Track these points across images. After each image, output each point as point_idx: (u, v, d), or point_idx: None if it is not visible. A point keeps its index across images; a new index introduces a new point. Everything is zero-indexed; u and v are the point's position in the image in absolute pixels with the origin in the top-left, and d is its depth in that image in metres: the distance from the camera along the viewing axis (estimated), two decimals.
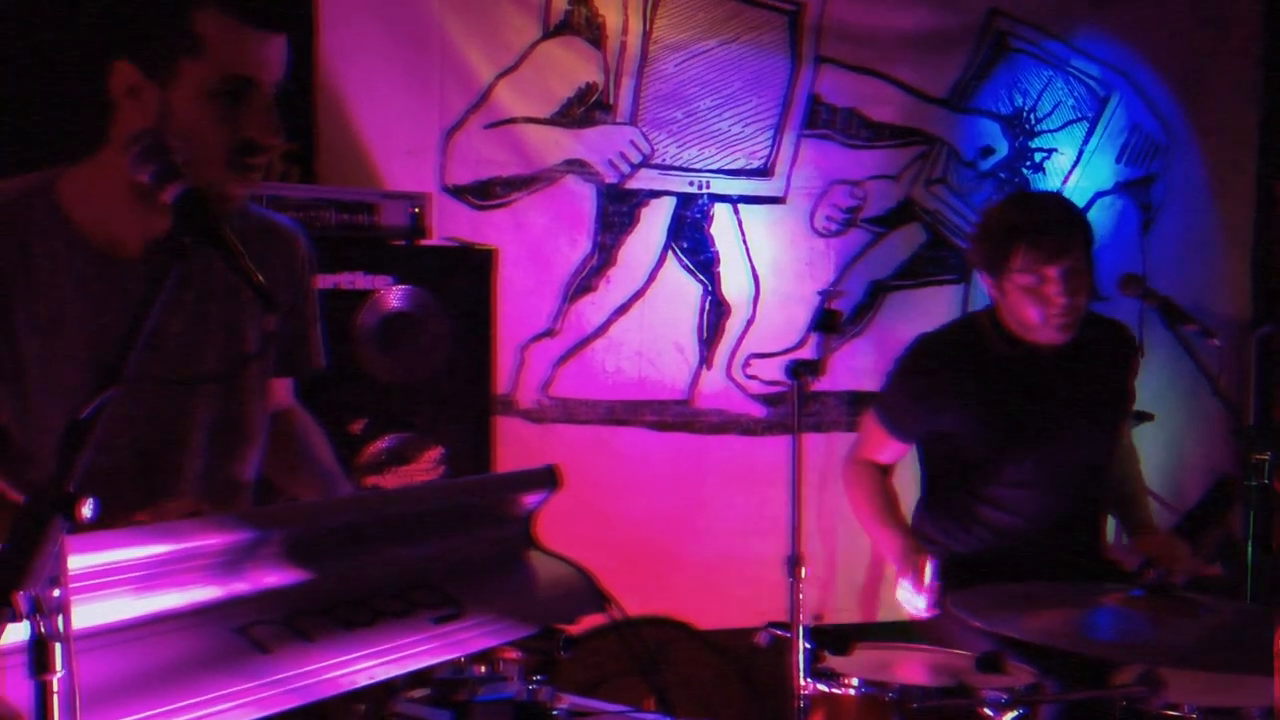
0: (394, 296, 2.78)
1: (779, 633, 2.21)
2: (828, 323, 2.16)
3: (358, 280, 2.72)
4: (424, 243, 2.83)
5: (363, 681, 1.31)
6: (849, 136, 3.53)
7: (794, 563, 2.06)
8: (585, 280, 3.38)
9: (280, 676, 1.25)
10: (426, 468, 2.82)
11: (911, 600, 2.55)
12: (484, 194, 3.28)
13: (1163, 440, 3.70)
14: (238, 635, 1.29)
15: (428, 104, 3.21)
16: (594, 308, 3.39)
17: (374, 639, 1.37)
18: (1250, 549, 2.72)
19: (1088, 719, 2.32)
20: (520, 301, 3.24)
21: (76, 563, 1.12)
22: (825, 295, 3.44)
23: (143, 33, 1.52)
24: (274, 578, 1.36)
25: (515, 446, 3.11)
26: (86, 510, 1.04)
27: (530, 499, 1.66)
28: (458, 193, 3.25)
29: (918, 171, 3.60)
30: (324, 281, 2.69)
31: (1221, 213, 3.82)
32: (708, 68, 3.42)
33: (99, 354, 1.48)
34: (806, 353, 3.54)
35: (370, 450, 2.77)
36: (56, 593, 1.03)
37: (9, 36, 2.69)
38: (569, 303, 3.38)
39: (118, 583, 1.22)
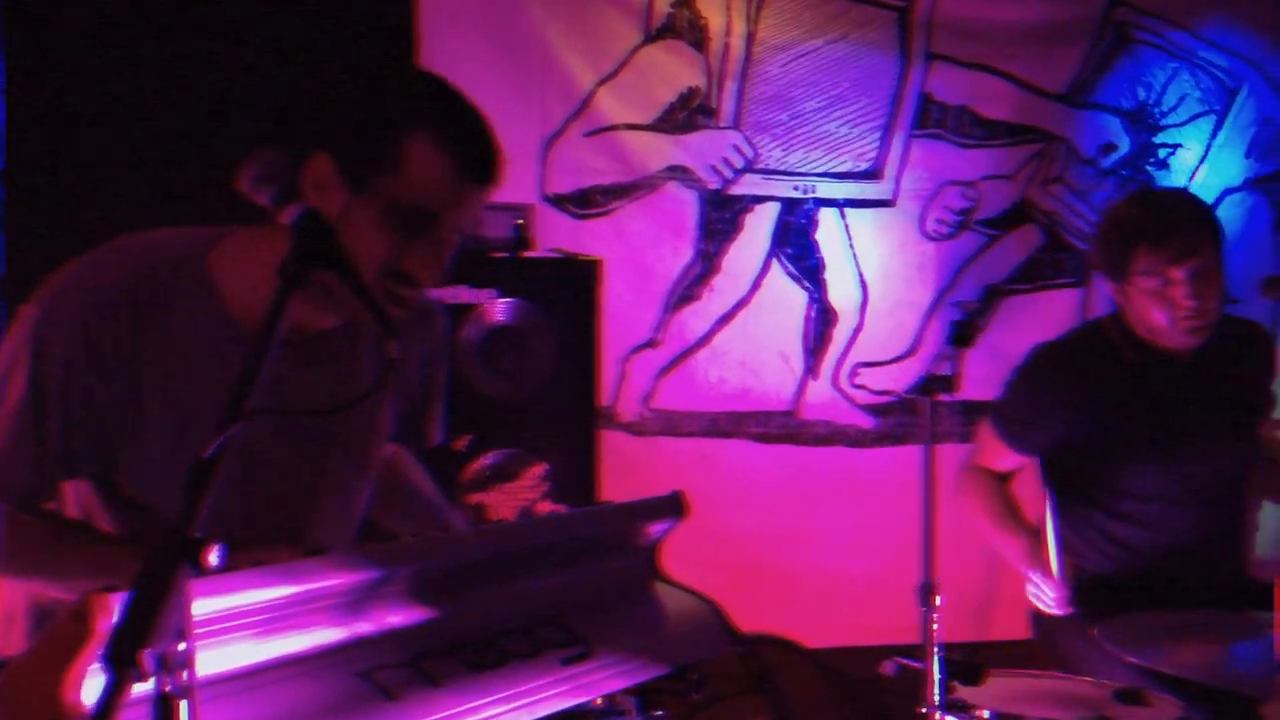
0: (498, 310, 2.73)
1: (907, 662, 2.11)
2: (962, 335, 2.04)
3: (461, 294, 2.68)
4: (527, 254, 2.77)
5: None
6: (961, 136, 3.40)
7: (927, 590, 1.94)
8: (688, 289, 3.30)
9: None
10: (531, 484, 2.77)
11: (1042, 595, 2.41)
12: (585, 203, 3.22)
13: None
14: (362, 680, 1.23)
15: (528, 112, 3.16)
16: (696, 317, 3.31)
17: (502, 683, 1.29)
18: None
19: None
20: (621, 312, 3.17)
21: (198, 608, 1.07)
22: (959, 307, 3.31)
23: (354, 137, 1.47)
24: (398, 617, 1.30)
25: (617, 460, 3.04)
26: (213, 557, 0.98)
27: (656, 528, 1.58)
28: (558, 202, 3.20)
29: (1034, 171, 3.45)
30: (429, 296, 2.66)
31: None
32: (813, 68, 3.32)
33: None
34: (916, 362, 3.42)
35: (474, 467, 2.72)
36: (182, 646, 0.98)
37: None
38: (671, 312, 3.30)
39: (239, 627, 1.16)
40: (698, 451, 3.30)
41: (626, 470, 3.10)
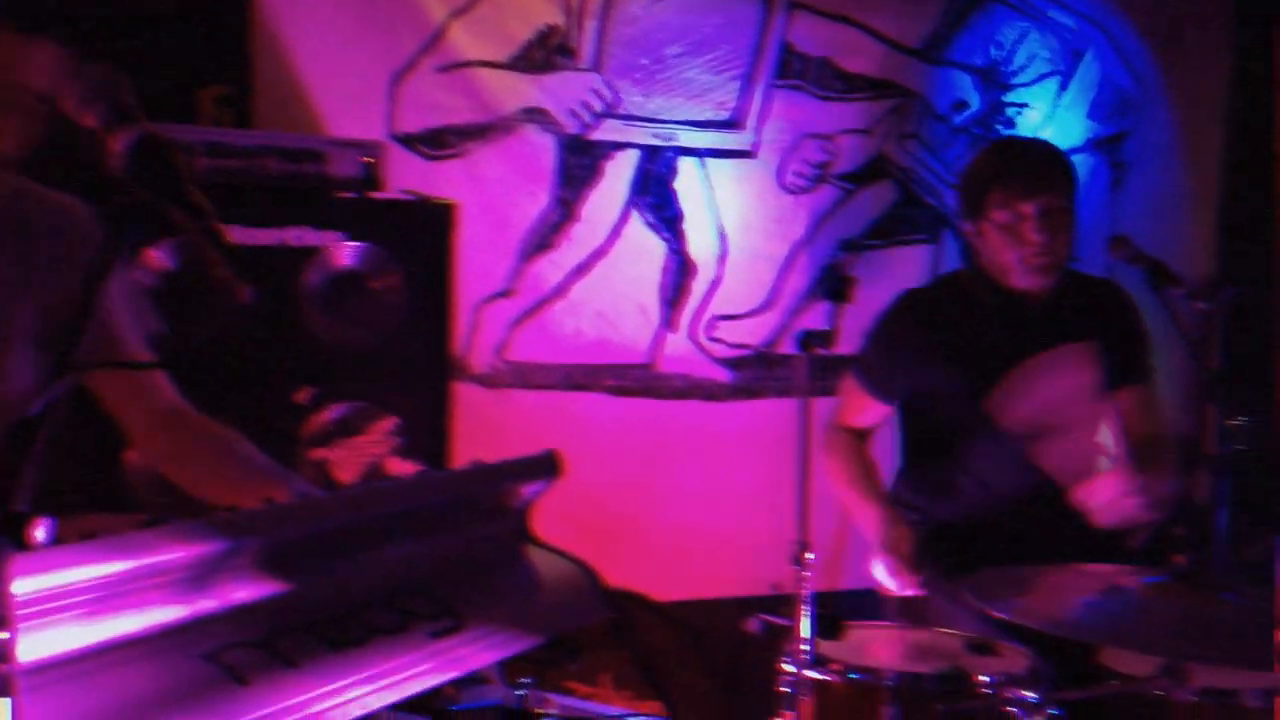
0: (343, 253, 2.57)
1: (772, 619, 2.09)
2: (839, 290, 2.01)
3: (304, 236, 2.51)
4: (376, 195, 2.61)
5: (356, 713, 1.13)
6: (821, 88, 3.37)
7: (801, 548, 1.92)
8: (544, 237, 3.19)
9: (263, 714, 1.07)
10: (378, 439, 2.63)
11: (889, 579, 2.44)
12: (436, 143, 3.06)
13: None
14: (208, 663, 1.11)
15: (375, 44, 2.98)
16: (553, 267, 3.21)
17: (366, 661, 1.19)
18: (1223, 515, 2.66)
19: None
20: (474, 259, 3.03)
21: (18, 588, 0.93)
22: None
23: None
24: (246, 592, 1.17)
25: (469, 414, 2.92)
26: (40, 533, 0.84)
27: (528, 489, 1.49)
28: (407, 141, 3.03)
29: (891, 126, 3.46)
30: (267, 237, 2.48)
31: (1189, 172, 3.76)
32: (676, 11, 3.23)
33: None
34: (773, 315, 3.41)
35: (316, 422, 2.56)
36: (2, 635, 0.84)
37: None
38: (527, 261, 3.18)
39: (64, 608, 1.02)
40: (553, 404, 3.21)
41: (479, 424, 2.98)
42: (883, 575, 2.48)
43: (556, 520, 2.94)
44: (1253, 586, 2.22)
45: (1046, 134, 3.60)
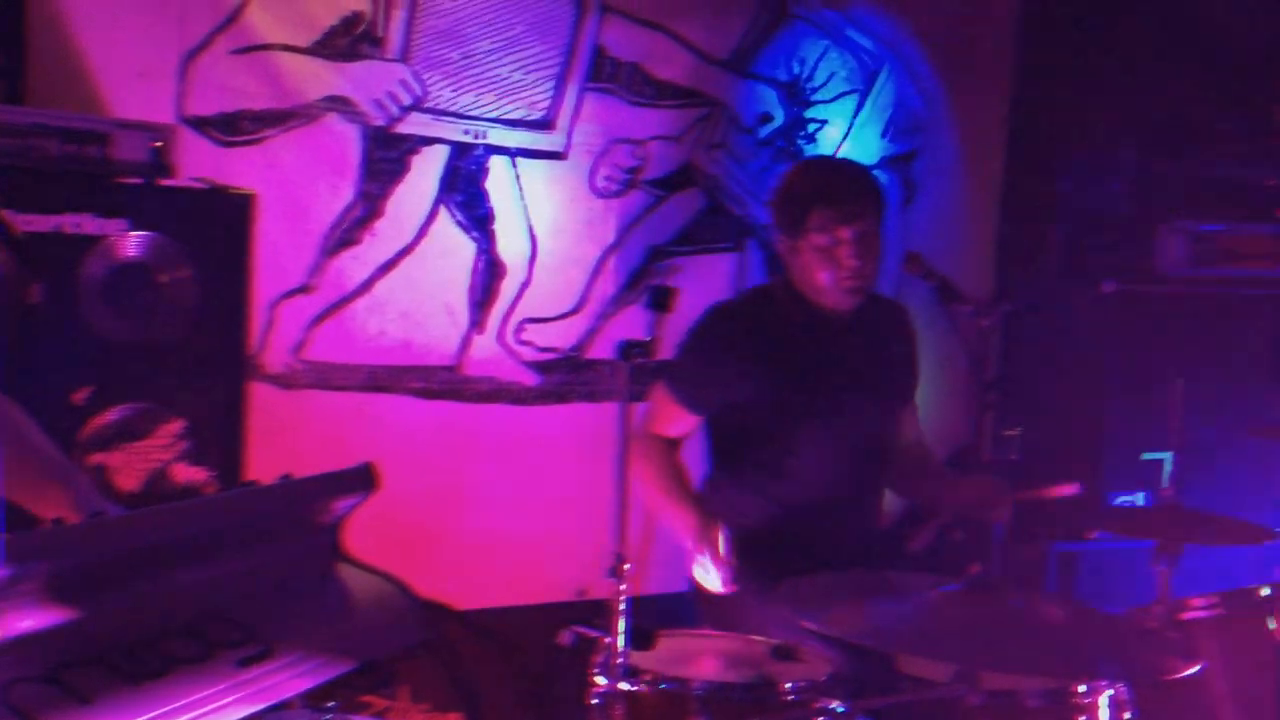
0: (128, 244, 2.39)
1: (584, 631, 2.07)
2: (660, 301, 2.01)
3: (84, 223, 2.34)
4: (166, 182, 2.45)
5: None
6: (633, 93, 3.37)
7: (618, 560, 1.90)
8: (347, 232, 3.07)
9: None
10: (165, 443, 2.47)
11: (708, 576, 2.47)
12: (231, 128, 2.90)
13: None
14: None
15: (165, 20, 2.79)
16: (356, 263, 3.09)
17: (166, 693, 1.10)
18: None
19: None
20: (271, 253, 2.89)
21: None
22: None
23: None
24: (32, 621, 1.06)
25: (262, 416, 2.78)
26: None
27: (342, 504, 1.42)
28: (199, 125, 2.86)
29: (699, 135, 3.50)
30: (43, 224, 2.28)
31: (972, 192, 3.96)
32: (488, 6, 3.17)
33: None
34: (582, 319, 3.39)
35: (96, 424, 2.38)
36: None
37: None
38: (328, 256, 3.06)
39: None
40: (353, 407, 3.09)
41: (274, 427, 2.84)
42: (702, 574, 2.51)
43: (357, 528, 2.83)
44: (1026, 589, 2.35)
45: (845, 149, 3.73)
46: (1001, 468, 3.45)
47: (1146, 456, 2.89)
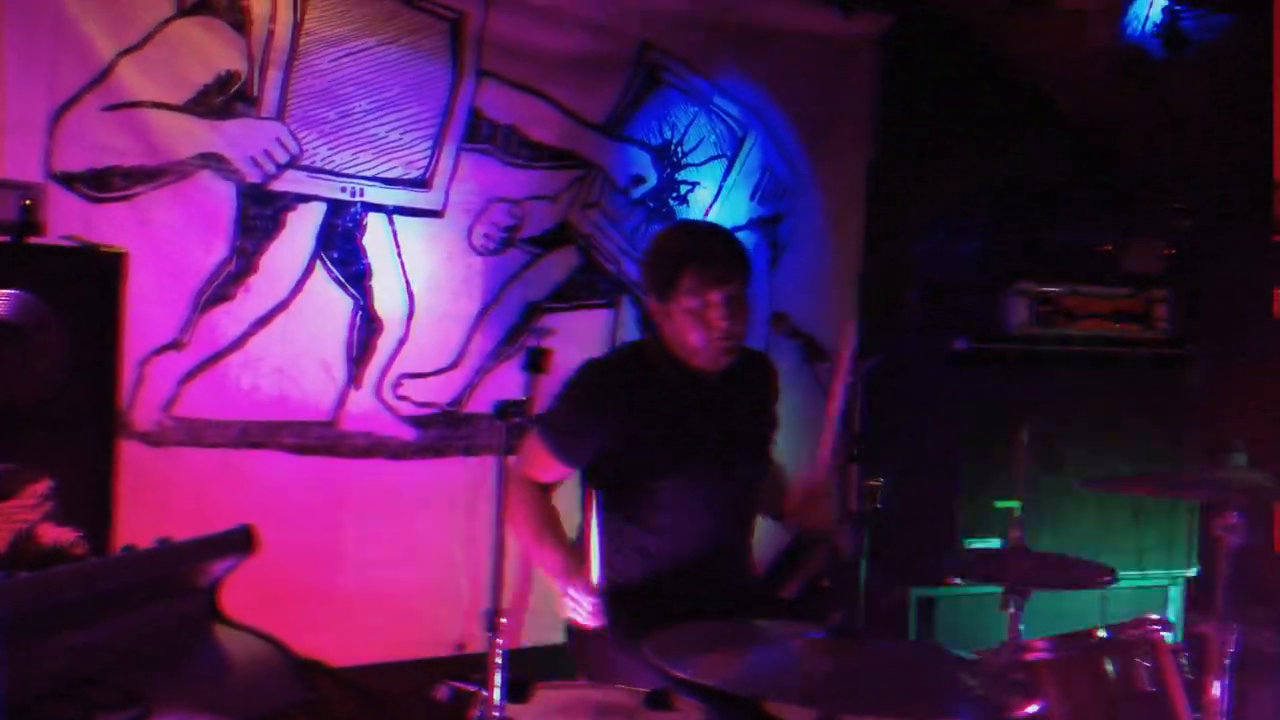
0: None
1: (460, 685, 2.10)
2: (536, 362, 2.07)
3: None
4: (35, 241, 2.42)
5: None
6: (509, 154, 3.45)
7: (493, 615, 1.94)
8: (220, 288, 3.06)
9: None
10: (31, 503, 2.41)
11: (577, 610, 2.52)
12: (101, 185, 2.88)
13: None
14: None
15: (33, 76, 2.77)
16: (230, 319, 3.08)
17: None
18: (863, 568, 2.94)
19: None
20: (142, 309, 2.86)
21: None
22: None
23: None
24: None
25: (132, 474, 2.74)
26: None
27: (219, 566, 1.44)
28: (67, 181, 2.83)
29: (575, 195, 3.59)
30: None
31: (835, 254, 4.13)
32: (365, 68, 3.21)
33: None
34: (459, 374, 3.43)
35: None
36: None
37: None
38: (200, 312, 3.04)
39: None
40: (226, 464, 3.06)
41: (144, 485, 2.80)
42: (574, 611, 2.55)
43: (232, 586, 2.80)
44: (898, 638, 2.46)
45: (715, 211, 3.86)
46: (868, 517, 3.59)
47: (998, 505, 3.04)
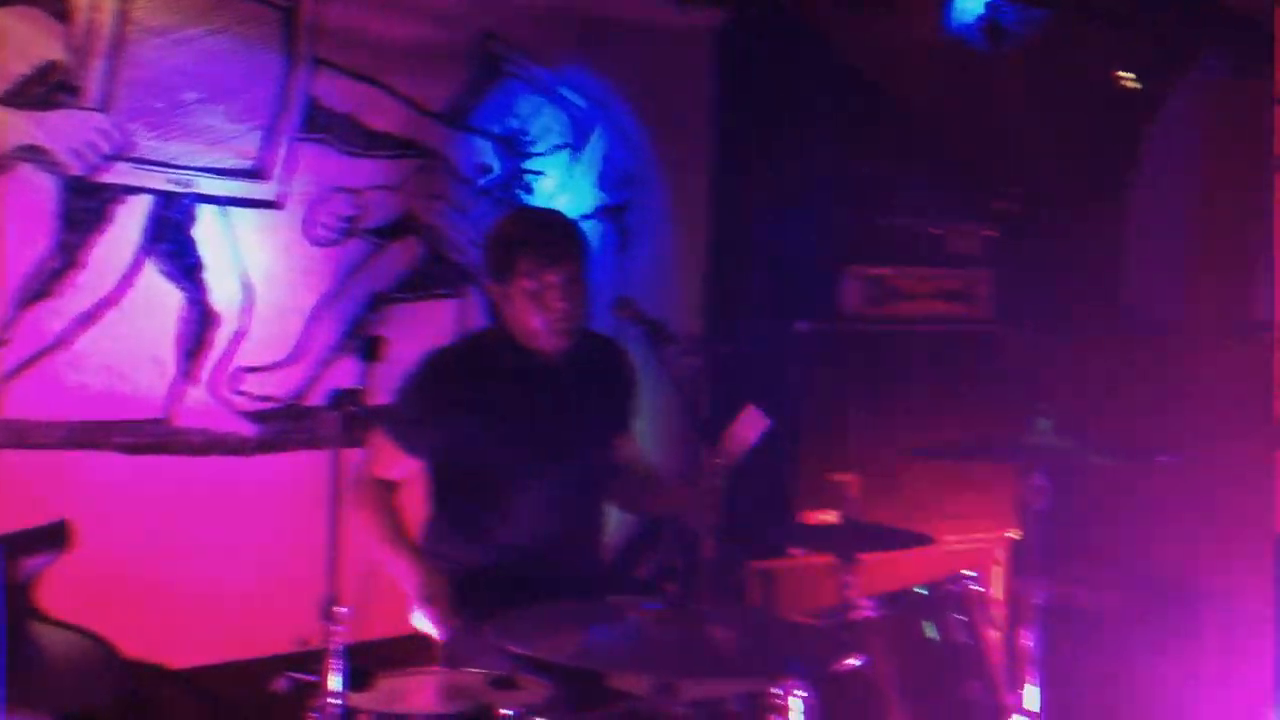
0: None
1: (299, 676, 2.10)
2: (370, 350, 2.07)
3: None
4: None
5: None
6: (348, 144, 3.41)
7: (330, 603, 1.95)
8: (43, 284, 2.95)
9: None
10: None
11: (429, 626, 2.54)
12: None
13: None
14: None
15: None
16: (54, 316, 2.97)
17: None
18: (708, 543, 3.03)
19: None
20: None
21: None
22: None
23: None
24: None
25: None
26: None
27: (32, 562, 1.41)
28: None
29: (417, 185, 3.58)
30: None
31: (682, 240, 4.21)
32: (194, 58, 3.13)
33: None
34: (300, 368, 3.38)
35: None
36: None
37: None
38: (22, 310, 2.93)
39: None
40: (53, 465, 2.95)
41: None
42: (423, 623, 2.57)
43: (65, 590, 2.73)
44: (733, 605, 2.55)
45: (561, 200, 3.89)
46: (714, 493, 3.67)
47: (834, 477, 3.17)
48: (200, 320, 3.20)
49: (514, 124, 3.79)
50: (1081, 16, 3.89)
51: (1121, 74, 4.00)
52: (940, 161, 4.41)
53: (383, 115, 3.48)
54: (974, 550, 3.87)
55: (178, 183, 3.14)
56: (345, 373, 3.41)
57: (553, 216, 2.97)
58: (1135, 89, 4.02)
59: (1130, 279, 4.36)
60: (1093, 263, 4.39)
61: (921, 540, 2.81)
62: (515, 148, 3.80)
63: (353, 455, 2.65)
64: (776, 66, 4.19)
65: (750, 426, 2.85)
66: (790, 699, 2.19)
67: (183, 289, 3.17)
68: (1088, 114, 4.26)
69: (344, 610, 1.99)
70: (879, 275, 3.83)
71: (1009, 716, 2.48)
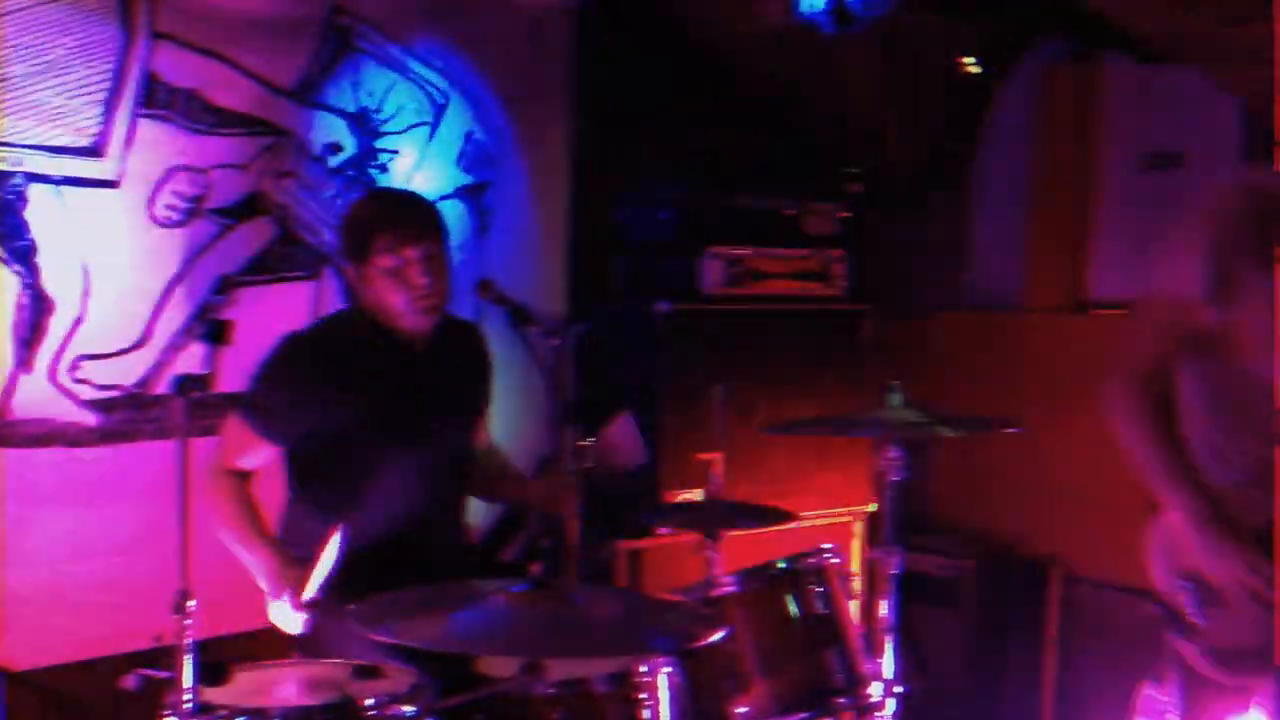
0: None
1: (150, 673, 2.03)
2: (216, 333, 2.00)
3: None
4: None
5: None
6: (192, 120, 3.28)
7: (182, 597, 1.88)
8: None
9: None
10: None
11: (288, 619, 2.47)
12: None
13: (497, 430, 3.97)
14: None
15: None
16: None
17: None
18: (576, 524, 3.04)
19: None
20: None
21: None
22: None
23: None
24: None
25: None
26: None
27: None
28: None
29: (266, 163, 3.46)
30: None
31: (543, 221, 4.19)
32: (22, 29, 2.96)
33: None
34: (147, 353, 3.24)
35: None
36: None
37: None
38: None
39: None
40: None
41: None
42: (281, 617, 2.50)
43: None
44: (599, 585, 2.56)
45: (418, 180, 3.82)
46: (580, 475, 3.68)
47: (699, 457, 3.21)
48: (35, 306, 3.04)
49: (367, 101, 3.70)
50: (923, 2, 4.00)
51: (962, 59, 4.13)
52: (795, 143, 4.50)
53: (228, 91, 3.35)
54: (835, 524, 3.98)
55: (7, 161, 2.97)
56: (192, 359, 3.29)
57: (408, 194, 2.96)
58: (975, 74, 4.17)
59: (974, 257, 4.54)
60: (940, 242, 4.55)
61: (783, 516, 2.87)
62: (368, 125, 3.72)
63: (203, 444, 2.56)
64: (635, 47, 4.20)
65: (623, 436, 2.87)
66: (656, 675, 2.21)
67: (16, 273, 3.01)
68: (933, 97, 4.40)
69: (195, 604, 1.92)
70: (738, 256, 3.89)
71: (867, 684, 2.55)
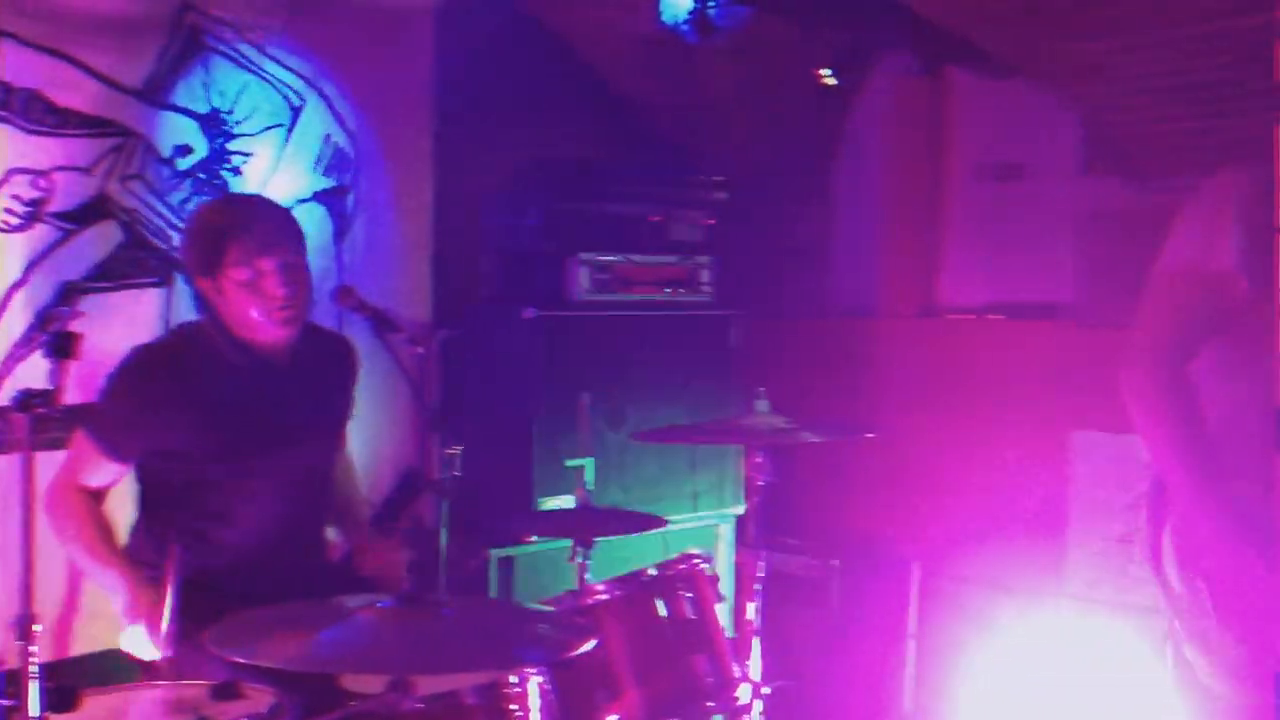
0: None
1: None
2: (61, 347, 1.89)
3: None
4: None
5: None
6: (31, 121, 3.12)
7: (26, 621, 1.78)
8: None
9: None
10: None
11: (143, 645, 2.37)
12: None
13: (361, 438, 3.88)
14: None
15: None
16: None
17: None
18: (444, 535, 3.00)
19: None
20: None
21: None
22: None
23: None
24: None
25: None
26: None
27: None
28: None
29: (112, 165, 3.31)
30: None
31: (405, 225, 4.11)
32: None
33: None
34: None
35: None
36: None
37: None
38: None
39: None
40: None
41: None
42: (132, 643, 2.40)
43: None
44: (468, 596, 2.52)
45: (274, 183, 3.71)
46: (446, 485, 3.64)
47: (569, 464, 3.20)
48: None
49: (219, 102, 3.58)
50: (779, 14, 4.08)
51: (819, 70, 4.23)
52: (660, 150, 4.54)
53: (71, 91, 3.20)
54: (704, 529, 4.01)
55: None
56: (36, 370, 3.13)
57: (260, 201, 2.84)
58: (831, 85, 4.26)
59: (834, 265, 4.65)
60: (803, 249, 4.64)
61: (654, 522, 2.88)
62: (220, 127, 3.59)
63: (48, 460, 2.43)
64: (498, 51, 4.17)
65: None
66: (527, 685, 2.19)
67: None
68: (793, 107, 4.49)
69: (40, 628, 1.82)
70: (605, 262, 3.89)
71: (736, 687, 2.58)
